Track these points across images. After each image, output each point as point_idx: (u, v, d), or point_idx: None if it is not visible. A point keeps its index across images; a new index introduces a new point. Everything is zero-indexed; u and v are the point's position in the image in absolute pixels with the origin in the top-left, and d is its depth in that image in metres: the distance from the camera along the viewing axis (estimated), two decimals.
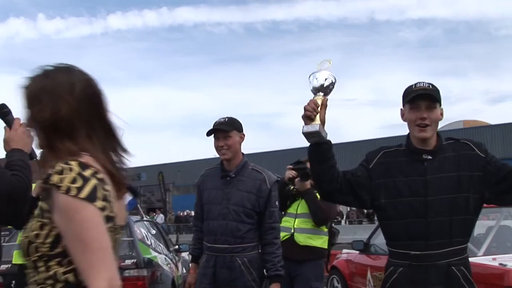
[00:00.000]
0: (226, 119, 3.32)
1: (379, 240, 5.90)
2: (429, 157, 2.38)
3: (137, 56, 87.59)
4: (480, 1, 63.85)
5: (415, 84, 2.41)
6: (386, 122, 71.32)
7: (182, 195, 44.44)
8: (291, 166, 4.35)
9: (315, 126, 2.31)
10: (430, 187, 2.32)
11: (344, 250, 7.32)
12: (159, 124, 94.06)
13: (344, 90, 79.05)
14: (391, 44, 71.35)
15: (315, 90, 2.38)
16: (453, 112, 73.17)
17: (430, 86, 2.39)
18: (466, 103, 67.52)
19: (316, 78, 2.38)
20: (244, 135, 3.36)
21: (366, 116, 74.38)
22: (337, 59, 75.15)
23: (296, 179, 4.27)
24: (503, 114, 75.95)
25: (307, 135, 2.34)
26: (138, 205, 8.85)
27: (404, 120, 2.46)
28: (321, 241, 4.32)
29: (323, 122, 2.32)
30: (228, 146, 3.26)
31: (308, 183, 4.20)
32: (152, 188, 42.96)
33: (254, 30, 75.03)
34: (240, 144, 3.34)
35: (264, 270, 3.30)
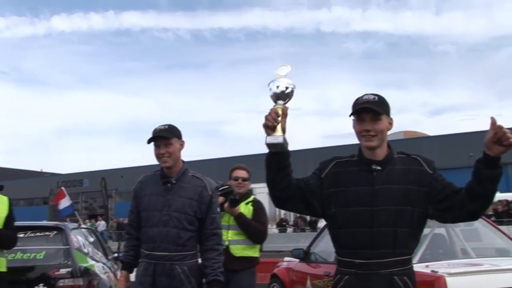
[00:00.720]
0: (167, 127, 3.29)
1: (319, 248, 5.96)
2: (378, 167, 2.43)
3: (81, 59, 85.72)
4: (420, 17, 66.31)
5: (362, 96, 2.46)
6: (330, 131, 72.78)
7: (125, 202, 43.45)
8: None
9: (278, 137, 2.31)
10: (377, 197, 2.37)
11: (286, 258, 7.34)
12: (102, 129, 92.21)
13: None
14: (336, 55, 73.11)
15: (275, 98, 2.37)
16: (395, 122, 75.28)
17: (376, 98, 2.44)
18: (407, 115, 69.77)
19: (277, 86, 2.37)
20: (183, 142, 3.34)
21: (310, 125, 75.45)
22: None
23: (225, 204, 4.31)
24: (440, 126, 78.81)
25: (270, 146, 2.33)
26: (76, 212, 8.60)
27: (354, 132, 2.51)
28: (255, 250, 4.47)
29: (284, 131, 2.33)
30: (169, 153, 3.23)
31: (237, 209, 4.32)
32: (94, 194, 41.92)
33: (202, 37, 75.08)
34: (180, 151, 3.32)
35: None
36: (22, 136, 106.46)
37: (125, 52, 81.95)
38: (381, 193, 2.38)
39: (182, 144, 3.32)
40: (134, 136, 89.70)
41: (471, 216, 2.40)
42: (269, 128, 2.31)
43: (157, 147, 3.26)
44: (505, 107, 65.95)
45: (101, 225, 29.45)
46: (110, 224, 31.05)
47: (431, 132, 38.73)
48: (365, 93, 2.48)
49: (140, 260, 3.31)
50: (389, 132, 2.52)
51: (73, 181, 49.14)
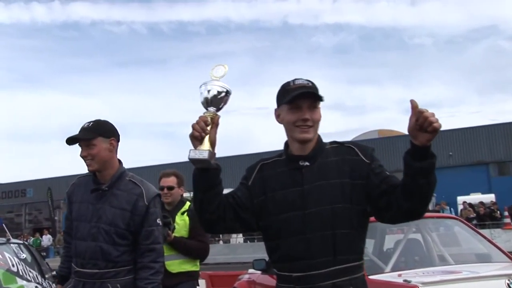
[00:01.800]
0: (90, 124, 3.11)
1: None
2: (306, 163, 2.31)
3: (22, 55, 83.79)
4: (394, 8, 67.21)
5: (293, 81, 2.33)
6: None
7: None
8: None
9: (203, 152, 2.18)
10: (308, 198, 2.25)
11: (250, 270, 7.21)
12: (47, 133, 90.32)
13: (256, 97, 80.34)
14: (305, 49, 73.41)
15: (206, 104, 2.27)
16: (369, 121, 76.51)
17: (310, 83, 2.32)
18: (382, 113, 70.62)
19: (209, 90, 2.26)
20: (114, 140, 3.14)
21: (278, 125, 75.54)
22: (248, 64, 76.27)
23: None
24: None
25: (194, 161, 2.20)
26: (3, 225, 8.29)
27: (280, 122, 2.39)
28: (194, 264, 4.43)
29: (213, 143, 2.22)
30: (92, 156, 3.05)
31: (171, 234, 4.22)
32: (39, 205, 41.17)
33: (159, 30, 74.28)
34: (112, 152, 3.13)
35: None
36: None
37: (73, 47, 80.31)
38: (311, 193, 2.26)
39: (112, 143, 3.13)
40: None
41: (410, 216, 2.26)
42: (196, 139, 2.18)
43: (80, 148, 3.10)
44: (486, 103, 67.71)
45: (47, 239, 28.78)
46: (58, 238, 30.36)
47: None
48: (294, 78, 2.36)
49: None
50: (362, 131, 2.40)
51: (15, 191, 47.83)
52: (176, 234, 4.33)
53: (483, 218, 23.61)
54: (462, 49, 66.59)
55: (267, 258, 6.12)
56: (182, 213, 4.42)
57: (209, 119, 2.21)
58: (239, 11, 77.06)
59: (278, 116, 2.38)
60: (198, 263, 4.50)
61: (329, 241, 2.22)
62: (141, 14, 76.90)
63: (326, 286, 2.21)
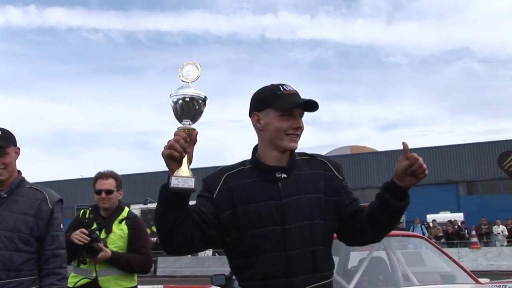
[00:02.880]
0: (1, 132, 2.99)
1: None
2: (284, 175, 2.18)
3: None
4: (371, 26, 67.98)
5: (282, 86, 2.22)
6: None
7: None
8: (84, 231, 3.86)
9: (188, 181, 1.92)
10: (286, 212, 2.12)
11: (213, 286, 7.03)
12: (20, 139, 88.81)
13: (231, 110, 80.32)
14: (281, 63, 73.70)
15: (180, 116, 1.99)
16: (342, 137, 76.92)
17: (297, 91, 2.24)
18: (356, 129, 71.24)
19: (181, 99, 1.97)
20: (19, 149, 3.08)
21: (252, 138, 75.59)
22: (225, 76, 76.30)
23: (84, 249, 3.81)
24: (390, 142, 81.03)
25: (175, 190, 1.92)
26: None
27: (261, 128, 2.22)
28: (131, 279, 4.05)
29: (190, 162, 1.98)
30: (5, 164, 2.96)
31: (102, 255, 3.79)
32: None
33: (136, 39, 73.86)
34: (15, 160, 3.06)
35: None
36: None
37: (49, 53, 79.36)
38: (290, 207, 2.13)
39: (17, 152, 3.07)
40: (57, 148, 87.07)
41: (369, 242, 2.35)
42: (174, 160, 1.91)
43: None
44: (457, 124, 68.62)
45: None
46: None
47: (381, 148, 39.54)
48: (280, 83, 2.24)
49: None
50: (335, 147, 2.34)
51: None
52: (111, 245, 3.91)
53: (451, 237, 23.80)
54: (436, 69, 67.57)
55: (227, 273, 6.00)
56: (120, 221, 4.02)
57: (187, 135, 1.94)
58: (217, 23, 76.97)
59: (258, 121, 2.23)
60: (135, 278, 4.10)
61: (309, 258, 2.13)
62: (118, 22, 76.34)
63: None
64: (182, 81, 2.03)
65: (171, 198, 1.98)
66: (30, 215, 2.93)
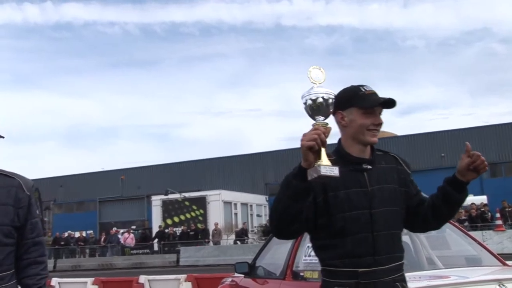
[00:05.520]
0: None
1: (266, 260, 5.63)
2: (369, 166, 2.48)
3: (14, 56, 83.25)
4: (387, 10, 67.24)
5: (363, 87, 2.51)
6: (291, 133, 72.78)
7: (66, 214, 42.51)
8: None
9: (333, 169, 2.15)
10: (373, 199, 2.43)
11: (236, 273, 7.00)
12: (38, 134, 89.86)
13: (248, 99, 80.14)
14: (298, 50, 73.37)
15: (313, 114, 2.24)
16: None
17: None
18: None
19: (314, 99, 2.23)
20: None
21: (270, 127, 75.59)
22: (241, 66, 76.15)
23: None
24: (410, 126, 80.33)
25: (321, 178, 2.13)
26: None
27: (345, 124, 2.49)
28: None
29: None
30: None
31: None
32: None
33: (151, 32, 74.07)
34: None
35: None
36: None
37: (66, 48, 79.87)
38: (375, 194, 2.44)
39: None
40: (75, 141, 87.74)
41: (430, 230, 2.76)
42: (313, 152, 2.14)
43: None
44: (478, 105, 67.81)
45: None
46: (45, 239, 30.05)
47: (401, 133, 39.17)
48: (359, 84, 2.53)
49: None
50: None
51: None
52: None
53: (474, 220, 23.53)
54: (455, 51, 66.84)
55: (250, 261, 5.96)
56: None
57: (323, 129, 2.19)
58: (231, 13, 76.90)
59: (342, 118, 2.49)
60: None
61: (390, 239, 2.44)
62: (134, 15, 76.42)
63: (388, 281, 2.40)
64: (312, 83, 2.28)
65: (303, 187, 2.22)
66: (9, 205, 2.73)
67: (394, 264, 2.42)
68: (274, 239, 5.61)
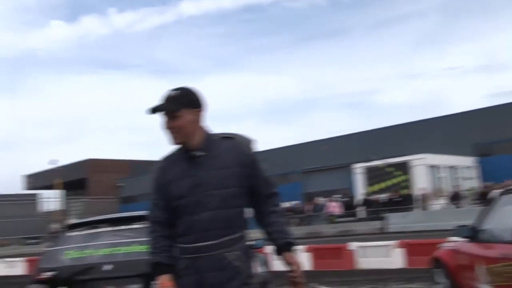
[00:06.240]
0: (174, 94, 2.76)
1: (492, 224, 5.15)
2: None
3: (213, 42, 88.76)
4: None
5: None
6: (496, 89, 67.01)
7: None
8: None
9: None
10: None
11: (453, 238, 6.59)
12: (238, 113, 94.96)
13: (445, 57, 75.45)
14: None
15: None
16: None
17: None
18: None
19: None
20: (200, 110, 2.79)
21: (472, 84, 70.47)
22: (436, 22, 71.87)
23: None
24: None
25: None
26: None
27: None
28: None
29: None
30: (178, 128, 2.74)
31: None
32: None
33: (338, 1, 73.31)
34: (196, 123, 2.79)
35: None
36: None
37: (257, 28, 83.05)
38: None
39: (197, 113, 2.78)
40: (273, 117, 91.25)
41: None
42: None
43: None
44: None
45: None
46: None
47: None
48: None
49: None
50: None
51: None
52: None
53: None
54: None
55: (472, 224, 5.54)
56: None
57: None
58: None
59: None
60: None
61: None
62: None
63: None
64: None
65: None
66: (234, 166, 2.73)
67: None
68: (500, 201, 5.14)
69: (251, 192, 2.77)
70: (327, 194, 34.91)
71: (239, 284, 2.66)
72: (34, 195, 68.65)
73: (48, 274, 4.82)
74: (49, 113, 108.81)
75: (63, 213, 56.27)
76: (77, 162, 65.89)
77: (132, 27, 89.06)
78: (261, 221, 2.81)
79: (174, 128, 2.73)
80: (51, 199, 64.97)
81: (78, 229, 5.28)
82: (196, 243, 2.67)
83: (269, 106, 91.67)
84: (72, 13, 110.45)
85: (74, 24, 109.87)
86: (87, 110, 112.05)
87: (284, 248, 2.75)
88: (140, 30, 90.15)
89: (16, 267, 18.60)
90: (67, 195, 62.78)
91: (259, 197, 2.80)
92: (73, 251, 4.98)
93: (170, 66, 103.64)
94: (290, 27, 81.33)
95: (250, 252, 2.80)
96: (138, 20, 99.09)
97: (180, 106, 2.71)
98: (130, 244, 4.83)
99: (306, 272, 3.63)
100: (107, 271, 4.66)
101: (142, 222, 4.71)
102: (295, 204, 34.44)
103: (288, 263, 2.71)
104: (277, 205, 2.86)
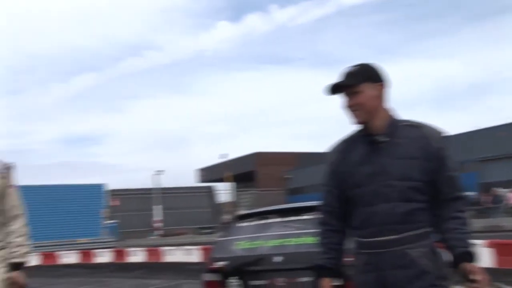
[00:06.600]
0: (352, 69, 2.58)
1: None
2: None
3: (376, 31, 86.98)
4: None
5: None
6: None
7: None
8: None
9: None
10: None
11: None
12: (407, 101, 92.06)
13: None
14: None
15: None
16: None
17: None
18: None
19: None
20: (382, 84, 2.57)
21: None
22: None
23: None
24: None
25: None
26: None
27: None
28: None
29: None
30: (359, 105, 2.54)
31: None
32: None
33: None
34: (379, 99, 2.57)
35: None
36: (326, 119, 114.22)
37: (420, 13, 79.73)
38: None
39: (379, 89, 2.56)
40: (443, 103, 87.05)
41: None
42: None
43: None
44: None
45: None
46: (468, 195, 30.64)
47: None
48: None
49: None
50: None
51: None
52: None
53: None
54: None
55: None
56: None
57: None
58: None
59: None
60: None
61: None
62: None
63: None
64: None
65: None
66: (418, 158, 2.48)
67: None
68: None
69: (432, 191, 2.49)
70: (507, 184, 32.65)
71: (425, 285, 2.42)
72: (209, 187, 72.97)
73: (220, 264, 4.83)
74: (218, 109, 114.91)
75: (233, 205, 58.95)
76: (245, 155, 68.71)
77: (294, 21, 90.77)
78: (438, 225, 2.51)
79: (355, 106, 2.54)
80: (222, 191, 68.54)
81: (248, 219, 5.26)
82: (374, 237, 2.49)
83: (438, 92, 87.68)
84: (236, 13, 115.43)
85: (238, 23, 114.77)
86: (254, 105, 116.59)
87: (462, 258, 2.43)
88: (301, 23, 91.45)
89: (193, 255, 19.71)
90: (237, 187, 65.68)
91: (441, 198, 2.51)
92: (244, 242, 4.96)
93: (333, 57, 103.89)
94: (454, 8, 76.82)
95: (438, 250, 2.52)
96: (299, 14, 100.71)
97: (361, 80, 2.53)
98: (300, 235, 4.69)
99: (488, 269, 3.18)
100: (278, 262, 4.56)
101: (312, 213, 4.58)
102: (472, 195, 32.58)
103: (470, 272, 2.37)
104: (461, 211, 2.54)
